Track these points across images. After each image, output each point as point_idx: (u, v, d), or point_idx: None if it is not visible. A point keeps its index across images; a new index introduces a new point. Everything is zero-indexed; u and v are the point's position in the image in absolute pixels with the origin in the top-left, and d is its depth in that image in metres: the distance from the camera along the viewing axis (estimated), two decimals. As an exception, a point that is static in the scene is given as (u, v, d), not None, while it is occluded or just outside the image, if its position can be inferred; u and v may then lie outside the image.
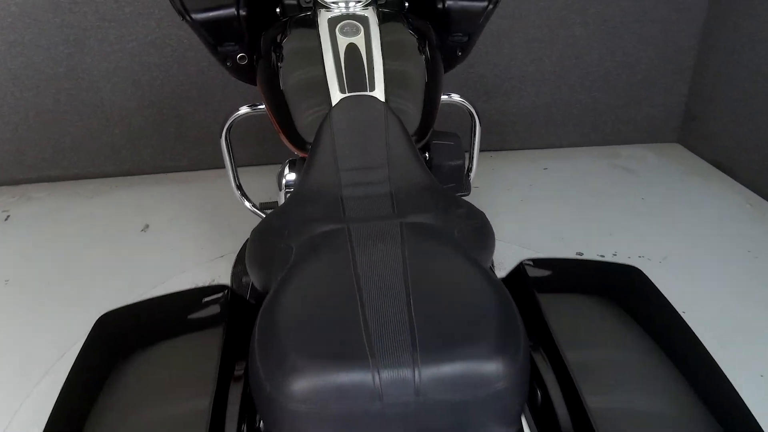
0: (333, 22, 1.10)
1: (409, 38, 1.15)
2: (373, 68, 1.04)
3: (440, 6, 1.26)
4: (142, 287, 1.82)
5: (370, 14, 1.13)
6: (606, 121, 2.76)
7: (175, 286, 1.80)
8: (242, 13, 1.19)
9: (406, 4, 1.32)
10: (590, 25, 2.51)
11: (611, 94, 2.68)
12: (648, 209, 2.26)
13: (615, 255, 1.97)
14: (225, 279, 1.81)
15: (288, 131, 1.03)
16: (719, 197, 2.34)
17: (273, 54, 1.15)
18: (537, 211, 2.26)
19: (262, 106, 1.30)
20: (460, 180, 1.23)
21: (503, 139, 2.76)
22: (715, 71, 2.54)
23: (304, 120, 1.01)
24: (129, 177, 2.59)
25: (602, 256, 1.97)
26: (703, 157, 2.67)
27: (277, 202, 1.51)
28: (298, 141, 1.01)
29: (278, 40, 1.16)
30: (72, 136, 2.50)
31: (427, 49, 1.16)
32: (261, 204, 1.49)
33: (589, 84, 2.65)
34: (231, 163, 1.46)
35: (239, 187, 1.52)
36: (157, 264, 1.94)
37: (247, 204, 1.54)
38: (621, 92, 2.68)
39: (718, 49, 2.51)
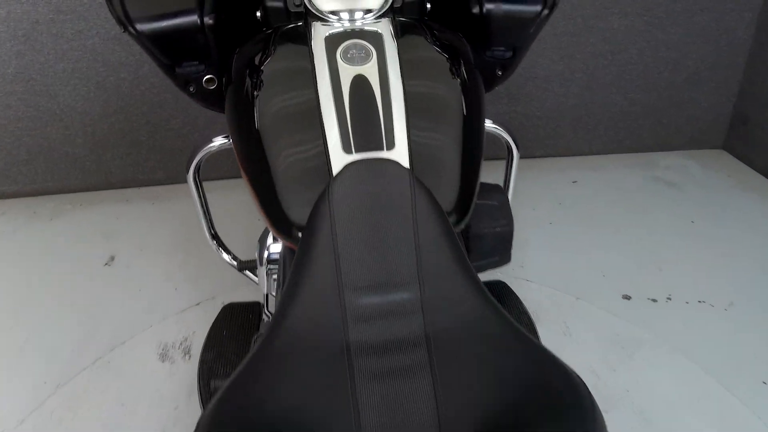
0: (333, 42, 0.76)
1: (439, 61, 0.80)
2: (392, 114, 0.70)
3: (476, 11, 0.91)
4: (93, 350, 1.48)
5: (385, 29, 0.78)
6: (642, 125, 2.42)
7: (135, 347, 1.48)
8: (208, 21, 0.83)
9: (428, 6, 0.98)
10: (630, 16, 2.15)
11: (650, 95, 2.33)
12: (700, 236, 1.93)
13: (669, 299, 1.65)
14: (199, 338, 1.48)
15: (267, 206, 0.70)
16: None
17: (248, 80, 0.80)
18: (569, 237, 1.93)
19: None
20: (506, 250, 0.90)
21: (524, 146, 2.42)
22: (773, 69, 2.19)
23: (292, 193, 0.68)
24: (95, 192, 2.25)
25: (654, 300, 1.65)
26: (754, 167, 2.33)
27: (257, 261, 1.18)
28: (281, 224, 0.68)
29: (256, 62, 0.82)
30: (27, 146, 2.15)
31: (464, 72, 0.82)
32: (240, 264, 1.16)
33: (626, 83, 2.29)
34: (203, 207, 1.12)
35: (215, 237, 1.18)
36: (118, 312, 1.61)
37: (225, 257, 1.21)
38: (662, 92, 2.33)
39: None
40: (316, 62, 0.74)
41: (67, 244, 1.93)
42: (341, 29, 0.77)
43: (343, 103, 0.70)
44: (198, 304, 1.61)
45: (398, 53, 0.76)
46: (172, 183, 2.30)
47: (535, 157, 2.45)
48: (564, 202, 2.14)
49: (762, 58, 2.23)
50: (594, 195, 2.18)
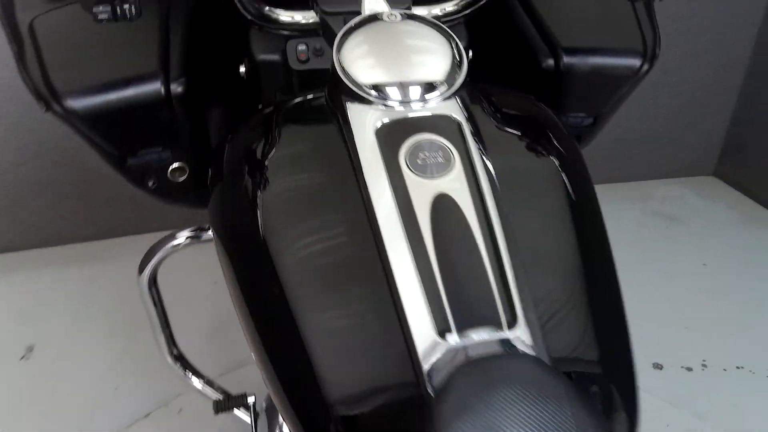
0: (390, 137, 0.48)
1: (539, 155, 0.54)
2: (503, 261, 0.43)
3: (547, 66, 0.67)
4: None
5: (459, 114, 0.50)
6: (636, 154, 2.24)
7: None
8: (176, 89, 0.56)
9: (470, 53, 0.71)
10: (626, 37, 1.95)
11: (646, 122, 2.15)
12: (716, 282, 1.74)
13: (705, 366, 1.44)
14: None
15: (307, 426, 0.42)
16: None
17: (250, 187, 0.51)
18: (578, 289, 1.70)
19: None
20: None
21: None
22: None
23: (356, 418, 0.41)
24: (8, 255, 1.85)
25: (689, 369, 1.43)
26: (750, 195, 2.18)
27: (245, 397, 0.88)
28: None
29: (259, 155, 0.53)
30: None
31: (563, 150, 0.56)
32: (220, 404, 0.86)
33: (621, 110, 2.10)
34: (161, 322, 0.83)
35: (179, 358, 0.89)
36: None
37: (195, 384, 0.92)
38: (658, 119, 2.16)
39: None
40: (365, 170, 0.46)
41: (-28, 329, 1.54)
42: (398, 116, 0.48)
43: (423, 246, 0.43)
44: (147, 415, 1.27)
45: (487, 151, 0.49)
46: (106, 237, 1.93)
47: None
48: (563, 245, 1.91)
49: (759, 83, 2.10)
50: (594, 235, 1.96)
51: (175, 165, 0.61)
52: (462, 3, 0.65)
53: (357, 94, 0.49)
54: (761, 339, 1.52)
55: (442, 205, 0.44)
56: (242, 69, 0.66)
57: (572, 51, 0.66)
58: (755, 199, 2.16)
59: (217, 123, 0.68)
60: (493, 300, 0.42)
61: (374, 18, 0.52)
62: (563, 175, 0.53)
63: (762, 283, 1.73)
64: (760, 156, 2.14)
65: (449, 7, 0.65)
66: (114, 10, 0.47)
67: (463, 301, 0.41)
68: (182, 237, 0.75)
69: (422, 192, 0.45)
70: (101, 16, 0.47)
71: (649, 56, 0.68)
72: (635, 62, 0.67)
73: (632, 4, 0.70)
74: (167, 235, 0.76)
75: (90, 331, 1.52)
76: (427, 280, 0.42)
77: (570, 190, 0.52)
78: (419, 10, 0.64)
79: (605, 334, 0.46)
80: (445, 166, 0.46)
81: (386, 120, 0.48)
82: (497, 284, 0.42)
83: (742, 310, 1.63)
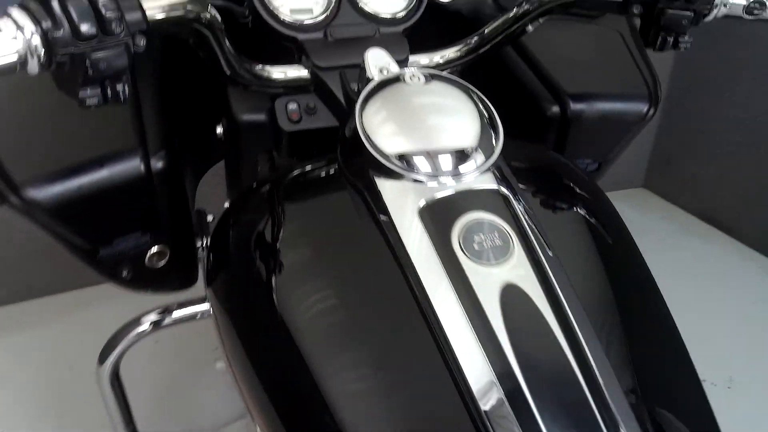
0: (435, 218, 0.42)
1: (586, 223, 0.53)
2: (587, 359, 0.39)
3: (552, 114, 0.66)
4: None
5: (500, 183, 0.45)
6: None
7: None
8: (157, 165, 0.50)
9: None
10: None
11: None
12: (669, 294, 1.77)
13: (671, 383, 1.46)
14: None
15: None
16: (733, 266, 1.95)
17: (267, 268, 0.46)
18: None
19: (201, 307, 0.63)
20: None
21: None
22: (690, 106, 2.19)
23: None
24: None
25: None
26: (678, 204, 2.30)
27: None
28: None
29: (274, 235, 0.47)
30: None
31: (604, 211, 0.56)
32: None
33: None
34: (124, 419, 0.74)
35: None
36: None
37: None
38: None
39: (693, 80, 2.16)
40: (414, 258, 0.40)
41: None
42: (443, 193, 0.42)
43: (500, 348, 0.37)
44: None
45: (541, 228, 0.43)
46: (22, 300, 1.71)
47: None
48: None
49: (680, 98, 2.22)
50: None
51: (155, 249, 0.54)
52: (464, 49, 0.60)
53: (387, 168, 0.42)
54: (716, 350, 1.57)
55: (512, 299, 0.39)
56: (219, 130, 0.57)
57: (579, 97, 0.65)
58: (685, 208, 2.28)
59: (192, 192, 0.59)
60: (590, 408, 0.37)
61: (396, 79, 0.45)
62: (612, 242, 0.51)
63: (711, 293, 1.81)
64: (685, 167, 2.26)
65: (450, 54, 0.60)
66: (104, 93, 0.37)
67: (556, 412, 0.36)
68: (147, 323, 0.66)
69: (486, 283, 0.39)
70: (90, 102, 0.38)
71: (654, 100, 0.67)
72: (642, 107, 0.67)
73: (628, 49, 0.70)
74: (130, 321, 0.68)
75: (12, 417, 1.32)
76: (511, 390, 0.36)
77: (625, 260, 0.50)
78: (420, 57, 0.59)
79: (692, 415, 0.46)
80: (505, 250, 0.40)
81: (430, 197, 0.42)
82: (590, 388, 0.38)
83: (694, 321, 1.67)
